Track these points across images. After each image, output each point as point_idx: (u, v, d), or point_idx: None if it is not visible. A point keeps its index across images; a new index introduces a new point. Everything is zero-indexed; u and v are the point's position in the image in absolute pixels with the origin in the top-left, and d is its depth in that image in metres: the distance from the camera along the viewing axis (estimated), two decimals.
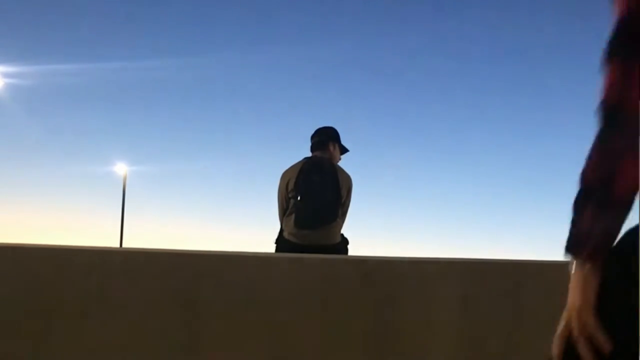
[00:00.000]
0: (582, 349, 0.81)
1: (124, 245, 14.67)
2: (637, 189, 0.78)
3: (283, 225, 3.23)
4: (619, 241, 0.82)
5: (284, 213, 3.24)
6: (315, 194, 3.12)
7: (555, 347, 0.86)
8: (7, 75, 14.61)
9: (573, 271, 0.85)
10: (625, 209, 0.79)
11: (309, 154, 3.35)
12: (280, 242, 3.22)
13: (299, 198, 3.14)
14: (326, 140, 3.33)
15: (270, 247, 3.30)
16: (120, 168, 17.86)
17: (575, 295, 0.83)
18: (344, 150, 3.40)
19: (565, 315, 0.86)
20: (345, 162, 3.40)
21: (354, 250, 3.23)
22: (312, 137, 3.38)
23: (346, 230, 3.27)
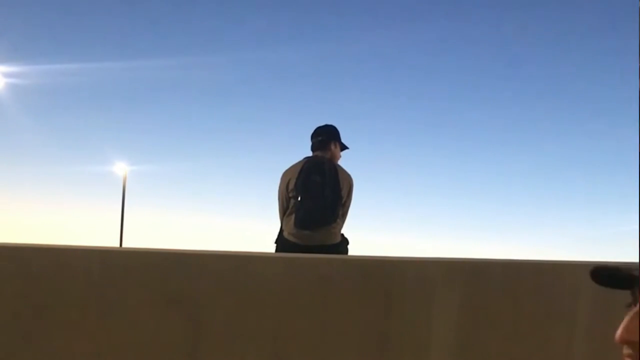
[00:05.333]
0: None
1: (124, 245, 14.66)
2: None
3: (283, 225, 3.23)
4: None
5: (284, 213, 3.24)
6: (316, 194, 3.11)
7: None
8: (7, 75, 14.59)
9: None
10: None
11: (310, 153, 3.35)
12: (280, 241, 3.22)
13: (299, 198, 3.14)
14: (327, 140, 3.33)
15: (270, 247, 3.30)
16: (120, 168, 17.85)
17: None
18: (343, 147, 3.40)
19: None
20: (346, 161, 3.41)
21: (354, 250, 3.23)
22: (313, 136, 3.37)
23: (347, 230, 3.27)
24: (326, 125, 3.39)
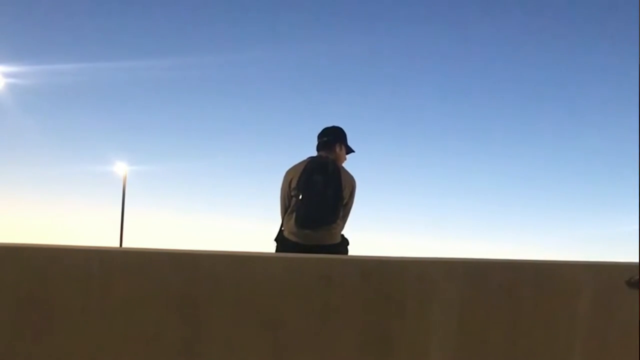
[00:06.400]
0: None
1: (124, 245, 14.67)
2: None
3: (284, 224, 3.23)
4: None
5: (285, 211, 3.24)
6: (317, 194, 3.12)
7: None
8: (7, 75, 14.57)
9: None
10: None
11: (314, 153, 3.36)
12: (280, 240, 3.22)
13: (300, 197, 3.14)
14: (333, 141, 3.34)
15: (270, 247, 3.30)
16: (120, 168, 17.86)
17: None
18: (349, 150, 3.41)
19: None
20: (348, 162, 3.41)
21: (354, 250, 3.23)
22: (319, 136, 3.38)
23: (347, 230, 3.27)
24: (333, 127, 3.40)
